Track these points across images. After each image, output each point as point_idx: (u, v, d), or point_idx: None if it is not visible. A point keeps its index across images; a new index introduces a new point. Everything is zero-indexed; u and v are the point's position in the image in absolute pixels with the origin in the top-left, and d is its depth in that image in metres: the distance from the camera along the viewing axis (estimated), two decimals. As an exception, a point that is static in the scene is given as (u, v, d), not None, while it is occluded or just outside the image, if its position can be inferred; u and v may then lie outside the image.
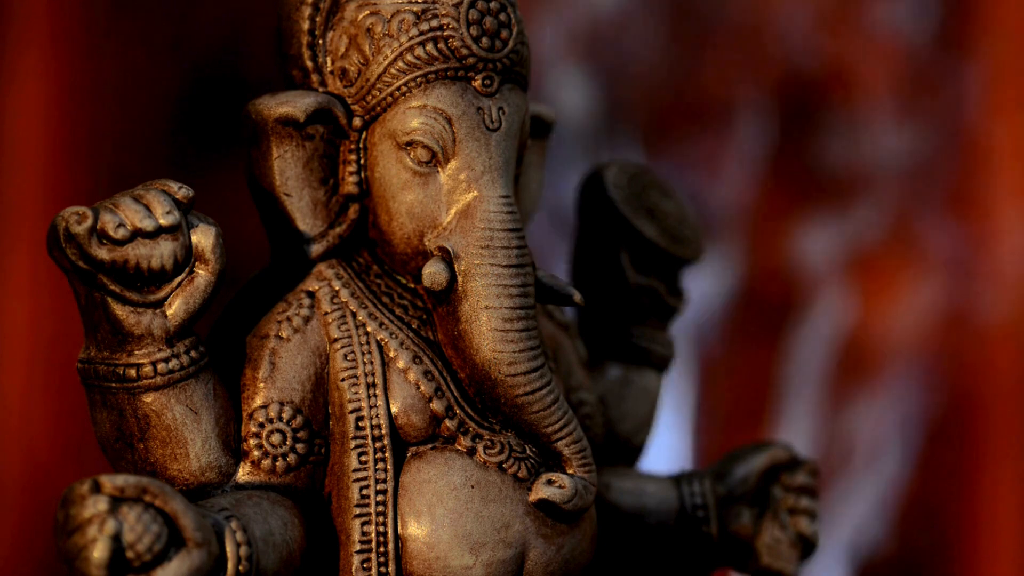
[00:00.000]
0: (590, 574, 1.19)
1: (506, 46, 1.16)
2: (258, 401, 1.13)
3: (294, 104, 1.16)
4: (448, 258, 1.14)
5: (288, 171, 1.17)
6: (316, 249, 1.17)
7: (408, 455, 1.15)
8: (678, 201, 1.37)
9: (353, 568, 1.12)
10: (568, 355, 1.27)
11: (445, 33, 1.14)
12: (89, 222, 1.06)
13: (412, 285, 1.18)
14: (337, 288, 1.16)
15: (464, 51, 1.14)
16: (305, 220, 1.17)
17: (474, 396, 1.16)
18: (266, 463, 1.12)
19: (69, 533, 1.00)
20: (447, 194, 1.15)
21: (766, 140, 2.38)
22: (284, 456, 1.12)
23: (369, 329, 1.15)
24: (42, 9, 2.26)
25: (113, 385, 1.09)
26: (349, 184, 1.17)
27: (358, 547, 1.13)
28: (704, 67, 2.37)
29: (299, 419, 1.13)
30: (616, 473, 1.30)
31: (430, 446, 1.15)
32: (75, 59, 2.26)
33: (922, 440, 2.39)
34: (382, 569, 1.13)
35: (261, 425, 1.12)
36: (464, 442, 1.15)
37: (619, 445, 1.33)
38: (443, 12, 1.14)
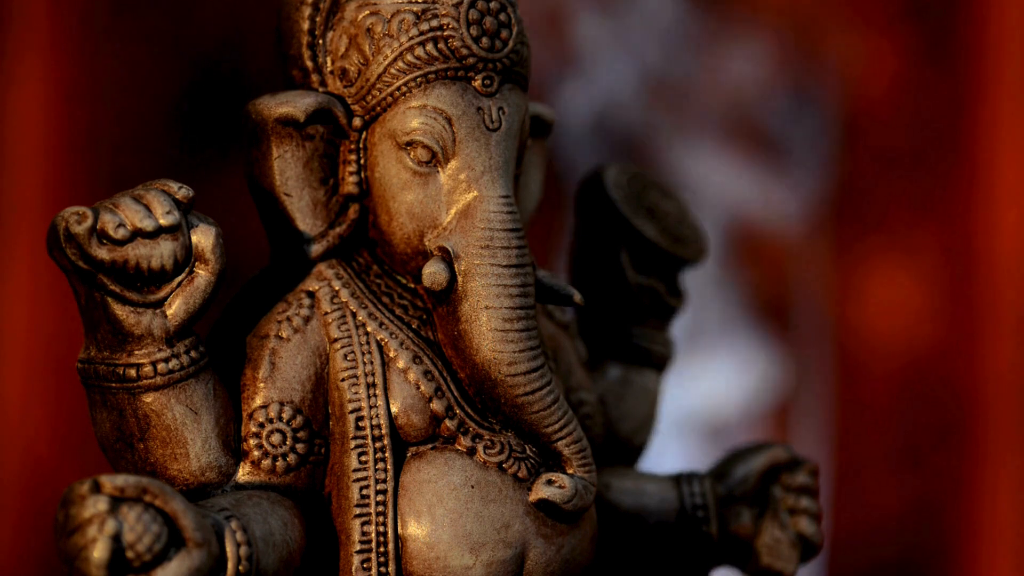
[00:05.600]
0: (590, 574, 1.19)
1: (506, 46, 1.16)
2: (258, 401, 1.13)
3: (294, 104, 1.16)
4: (448, 258, 1.14)
5: (288, 171, 1.17)
6: (316, 249, 1.17)
7: (408, 455, 1.14)
8: (678, 201, 1.37)
9: (353, 568, 1.12)
10: (568, 355, 1.27)
11: (445, 33, 1.14)
12: (89, 222, 1.06)
13: (412, 285, 1.18)
14: (337, 288, 1.16)
15: (464, 51, 1.14)
16: (305, 220, 1.17)
17: (474, 396, 1.16)
18: (266, 463, 1.12)
19: (69, 533, 1.00)
20: (447, 194, 1.15)
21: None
22: (284, 456, 1.12)
23: (369, 329, 1.15)
24: (42, 10, 2.26)
25: (113, 385, 1.09)
26: (349, 184, 1.17)
27: (358, 547, 1.13)
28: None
29: (299, 419, 1.13)
30: (616, 473, 1.30)
31: (430, 446, 1.15)
32: (75, 59, 2.26)
33: (922, 441, 2.39)
34: (382, 569, 1.12)
35: (261, 425, 1.12)
36: (464, 442, 1.15)
37: (619, 445, 1.32)
38: (443, 12, 1.14)
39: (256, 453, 1.12)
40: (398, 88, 1.15)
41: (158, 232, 1.08)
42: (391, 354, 1.15)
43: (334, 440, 1.14)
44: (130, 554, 1.00)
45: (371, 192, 1.17)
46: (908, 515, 2.37)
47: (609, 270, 1.34)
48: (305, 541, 1.11)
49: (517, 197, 1.18)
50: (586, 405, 1.26)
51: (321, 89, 1.17)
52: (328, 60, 1.17)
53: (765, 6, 2.39)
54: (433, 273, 1.13)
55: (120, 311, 1.08)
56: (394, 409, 1.14)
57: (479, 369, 1.14)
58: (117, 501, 1.00)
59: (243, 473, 1.12)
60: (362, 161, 1.17)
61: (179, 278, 1.09)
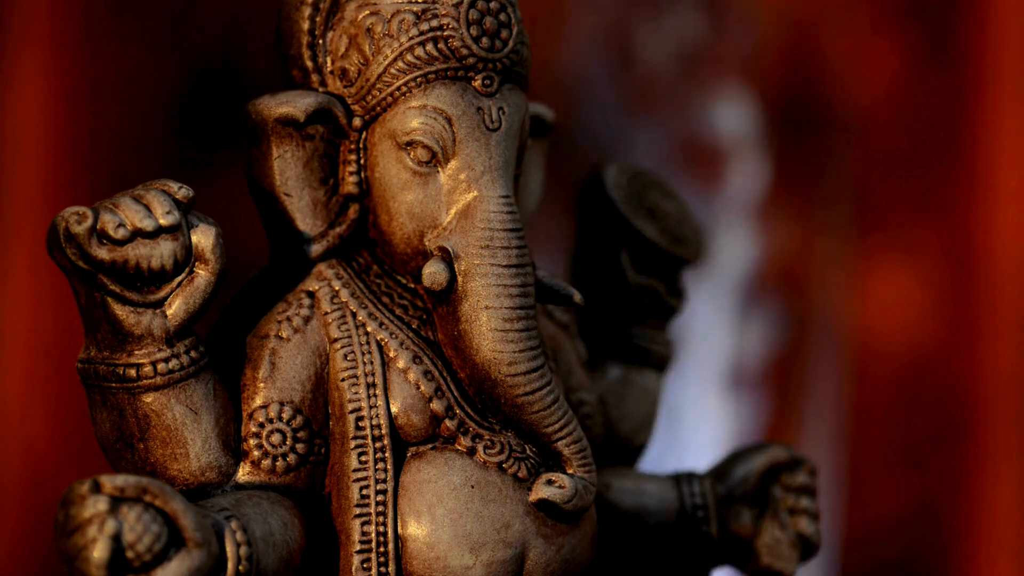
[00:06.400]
0: (590, 574, 1.19)
1: (506, 46, 1.16)
2: (258, 401, 1.13)
3: (294, 104, 1.16)
4: (448, 258, 1.14)
5: (288, 171, 1.17)
6: (316, 249, 1.17)
7: (408, 455, 1.15)
8: (678, 201, 1.37)
9: (353, 568, 1.12)
10: (568, 355, 1.27)
11: (445, 33, 1.14)
12: (89, 222, 1.06)
13: (412, 285, 1.18)
14: (337, 288, 1.16)
15: (464, 51, 1.14)
16: (305, 220, 1.17)
17: (474, 396, 1.16)
18: (266, 463, 1.12)
19: (69, 533, 1.00)
20: (447, 194, 1.15)
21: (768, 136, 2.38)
22: (284, 456, 1.12)
23: (369, 329, 1.15)
24: (42, 9, 2.26)
25: (113, 385, 1.09)
26: (349, 184, 1.17)
27: (358, 547, 1.13)
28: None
29: (299, 419, 1.13)
30: (616, 473, 1.30)
31: (430, 446, 1.15)
32: (75, 59, 2.26)
33: (922, 441, 2.39)
34: (382, 569, 1.12)
35: (261, 425, 1.12)
36: (464, 442, 1.15)
37: (619, 445, 1.32)
38: (443, 12, 1.14)
39: (256, 453, 1.12)
40: (398, 88, 1.15)
41: (158, 232, 1.08)
42: (391, 354, 1.15)
43: (334, 440, 1.14)
44: (130, 554, 1.00)
45: (371, 192, 1.17)
46: (908, 515, 2.37)
47: (609, 270, 1.34)
48: (305, 541, 1.11)
49: (517, 197, 1.18)
50: (586, 405, 1.26)
51: (321, 89, 1.17)
52: (328, 60, 1.17)
53: (765, 7, 2.39)
54: (433, 273, 1.13)
55: (120, 311, 1.08)
56: (394, 409, 1.14)
57: (479, 369, 1.14)
58: (117, 501, 1.00)
59: (243, 473, 1.12)
60: (362, 161, 1.17)
61: (179, 278, 1.09)
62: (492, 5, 1.15)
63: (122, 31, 2.28)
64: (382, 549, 1.13)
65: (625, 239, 1.33)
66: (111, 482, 1.00)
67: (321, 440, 1.14)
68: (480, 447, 1.15)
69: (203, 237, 1.09)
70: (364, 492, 1.13)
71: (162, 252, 1.08)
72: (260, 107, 1.16)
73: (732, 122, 2.37)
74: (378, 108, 1.16)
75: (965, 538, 2.36)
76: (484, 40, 1.15)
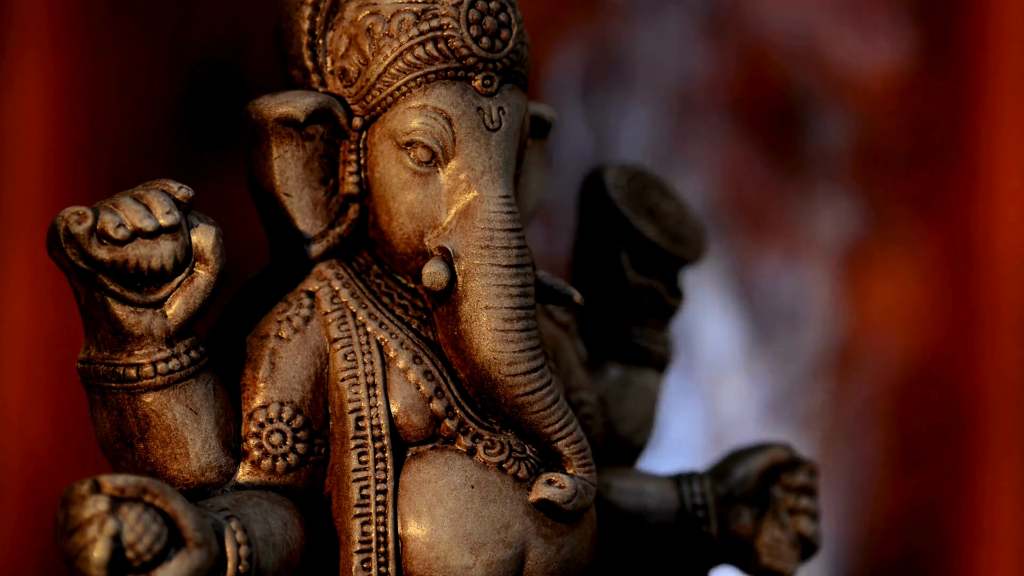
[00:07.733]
0: (590, 574, 1.19)
1: (506, 46, 1.16)
2: (258, 401, 1.13)
3: (294, 104, 1.15)
4: (448, 258, 1.14)
5: (288, 171, 1.17)
6: (316, 249, 1.17)
7: (408, 455, 1.15)
8: (678, 201, 1.37)
9: (353, 568, 1.12)
10: (568, 355, 1.27)
11: (445, 33, 1.14)
12: (89, 222, 1.06)
13: (412, 285, 1.18)
14: (337, 288, 1.16)
15: (464, 51, 1.14)
16: (305, 220, 1.17)
17: (474, 396, 1.16)
18: (266, 463, 1.12)
19: (69, 533, 1.00)
20: (447, 194, 1.15)
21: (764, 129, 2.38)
22: (284, 456, 1.12)
23: (369, 329, 1.15)
24: (42, 9, 2.26)
25: (113, 385, 1.09)
26: (349, 184, 1.17)
27: (358, 547, 1.13)
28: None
29: (299, 419, 1.13)
30: (616, 473, 1.30)
31: (430, 446, 1.15)
32: (75, 59, 2.26)
33: (922, 441, 2.39)
34: (382, 569, 1.12)
35: (261, 425, 1.12)
36: (464, 442, 1.15)
37: (619, 445, 1.32)
38: (443, 12, 1.14)
39: (256, 453, 1.12)
40: (398, 88, 1.15)
41: (158, 232, 1.08)
42: (391, 354, 1.15)
43: (334, 440, 1.14)
44: (130, 554, 1.00)
45: (371, 192, 1.17)
46: (908, 515, 2.37)
47: (609, 270, 1.34)
48: (305, 541, 1.11)
49: (517, 197, 1.18)
50: (586, 405, 1.26)
51: (321, 89, 1.17)
52: (328, 60, 1.17)
53: (765, 7, 2.39)
54: (433, 273, 1.13)
55: (120, 311, 1.08)
56: (394, 409, 1.14)
57: (479, 369, 1.14)
58: (117, 501, 1.00)
59: (243, 473, 1.12)
60: (362, 161, 1.17)
61: (179, 278, 1.09)
62: (492, 5, 1.15)
63: (122, 31, 2.28)
64: (382, 549, 1.13)
65: (625, 239, 1.33)
66: (111, 482, 1.00)
67: (321, 440, 1.14)
68: (480, 447, 1.15)
69: (203, 237, 1.09)
70: (364, 492, 1.13)
71: (162, 252, 1.08)
72: (260, 107, 1.16)
73: (731, 123, 2.37)
74: (378, 108, 1.16)
75: (965, 538, 2.36)
76: (484, 40, 1.15)
